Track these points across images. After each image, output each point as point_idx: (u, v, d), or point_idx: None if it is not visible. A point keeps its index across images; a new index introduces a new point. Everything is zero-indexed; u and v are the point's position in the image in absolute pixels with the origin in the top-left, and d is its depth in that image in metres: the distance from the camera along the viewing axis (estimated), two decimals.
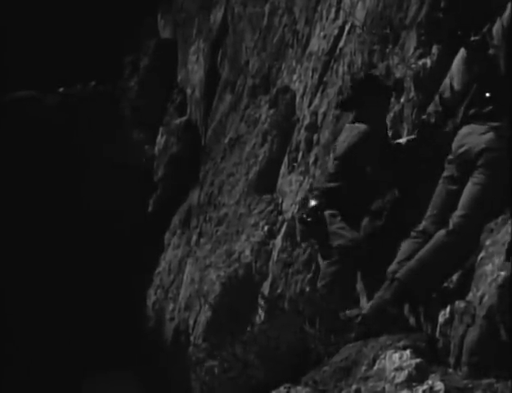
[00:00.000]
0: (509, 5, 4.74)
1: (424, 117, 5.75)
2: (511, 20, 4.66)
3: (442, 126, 5.50)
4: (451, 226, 4.55)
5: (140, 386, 13.02)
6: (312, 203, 6.45)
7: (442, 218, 4.71)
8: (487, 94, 4.69)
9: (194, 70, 15.78)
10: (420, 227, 4.89)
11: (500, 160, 4.52)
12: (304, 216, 6.55)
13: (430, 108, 5.65)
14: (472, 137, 4.70)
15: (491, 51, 4.71)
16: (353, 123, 6.36)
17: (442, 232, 4.58)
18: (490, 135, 4.60)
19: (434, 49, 6.29)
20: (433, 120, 5.60)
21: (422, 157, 5.77)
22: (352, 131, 6.28)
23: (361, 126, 6.19)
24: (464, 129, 4.80)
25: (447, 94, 5.20)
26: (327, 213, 6.21)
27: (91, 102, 17.31)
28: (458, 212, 4.57)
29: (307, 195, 7.86)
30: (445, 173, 4.90)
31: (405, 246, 4.89)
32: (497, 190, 4.48)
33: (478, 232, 4.39)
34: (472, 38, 4.87)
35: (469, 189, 4.58)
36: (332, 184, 6.30)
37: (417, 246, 4.74)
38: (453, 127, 5.02)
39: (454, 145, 4.85)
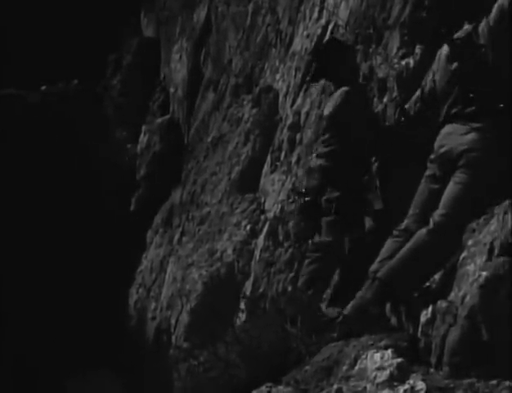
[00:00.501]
0: (495, 4, 4.74)
1: (406, 106, 5.73)
2: (498, 19, 4.66)
3: (421, 119, 5.51)
4: (431, 225, 4.55)
5: (122, 385, 12.97)
6: (314, 183, 6.34)
7: (424, 217, 4.70)
8: (471, 95, 4.69)
9: (177, 68, 15.73)
10: (402, 225, 4.89)
11: (482, 161, 4.53)
12: (303, 191, 6.50)
13: (412, 101, 5.65)
14: (453, 137, 4.71)
15: (478, 50, 4.70)
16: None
17: (422, 231, 4.58)
18: (471, 136, 4.60)
19: (417, 49, 6.30)
20: (412, 112, 5.60)
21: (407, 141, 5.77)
22: (334, 96, 6.28)
23: (341, 89, 6.19)
24: (446, 129, 4.81)
25: (428, 89, 5.22)
26: (324, 199, 6.14)
27: (73, 101, 17.20)
28: (439, 211, 4.57)
29: (310, 167, 7.62)
30: (427, 172, 4.91)
31: (387, 245, 4.89)
32: (479, 190, 4.49)
33: (459, 232, 4.39)
34: (456, 36, 4.88)
35: (450, 188, 4.59)
36: (332, 147, 6.19)
37: (399, 244, 4.74)
38: (436, 126, 5.02)
39: (436, 144, 4.85)
